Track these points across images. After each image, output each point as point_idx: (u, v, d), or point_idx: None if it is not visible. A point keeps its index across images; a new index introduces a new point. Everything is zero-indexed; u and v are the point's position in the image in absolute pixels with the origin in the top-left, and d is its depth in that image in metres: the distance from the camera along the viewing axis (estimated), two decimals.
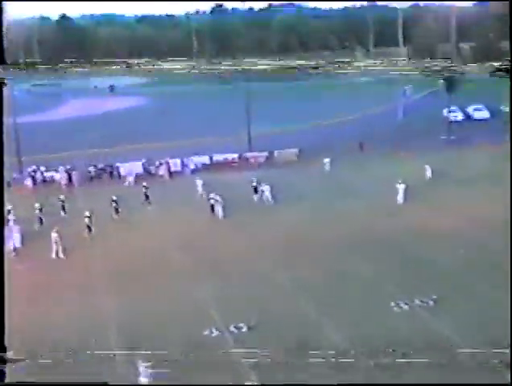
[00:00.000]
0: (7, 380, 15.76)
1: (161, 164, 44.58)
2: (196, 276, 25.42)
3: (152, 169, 44.73)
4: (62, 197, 35.71)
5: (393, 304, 21.79)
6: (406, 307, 21.64)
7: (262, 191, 36.34)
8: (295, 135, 54.24)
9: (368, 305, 21.79)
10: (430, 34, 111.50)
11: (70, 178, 42.83)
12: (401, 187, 34.72)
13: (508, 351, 16.28)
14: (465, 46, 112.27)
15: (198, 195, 37.30)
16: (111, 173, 45.02)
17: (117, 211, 34.27)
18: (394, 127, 56.66)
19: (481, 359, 16.84)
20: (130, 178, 42.59)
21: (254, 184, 37.03)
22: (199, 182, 38.31)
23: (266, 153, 48.38)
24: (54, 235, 28.73)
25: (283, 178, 40.76)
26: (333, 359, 17.54)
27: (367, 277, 24.50)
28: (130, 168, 44.47)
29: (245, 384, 17.28)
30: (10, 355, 16.17)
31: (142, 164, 45.24)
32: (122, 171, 44.69)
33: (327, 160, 43.18)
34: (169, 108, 77.45)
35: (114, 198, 34.59)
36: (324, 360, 17.43)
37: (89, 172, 44.12)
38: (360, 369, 17.32)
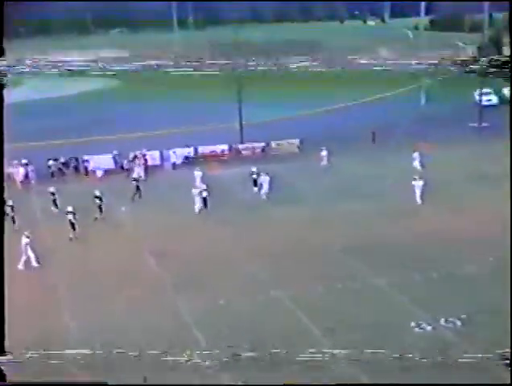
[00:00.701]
0: (7, 380, 16.97)
1: (136, 157, 44.53)
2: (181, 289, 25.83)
3: (125, 163, 44.64)
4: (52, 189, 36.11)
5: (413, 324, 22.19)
6: (428, 328, 22.03)
7: (261, 184, 37.09)
8: (296, 123, 54.59)
9: (383, 326, 22.13)
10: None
11: (27, 175, 42.90)
12: (418, 184, 34.86)
13: (508, 351, 17.28)
14: (499, 15, 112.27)
15: (195, 191, 35.98)
16: (76, 168, 45.23)
17: (100, 209, 34.51)
18: (415, 114, 56.93)
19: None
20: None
21: (255, 176, 37.88)
22: (197, 175, 38.35)
23: (261, 144, 48.64)
24: (25, 240, 28.33)
25: (282, 173, 40.96)
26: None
27: (380, 293, 24.93)
28: (99, 162, 44.81)
29: (238, 384, 18.55)
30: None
31: (113, 157, 45.47)
32: (90, 166, 44.97)
33: (324, 153, 43.56)
34: (144, 92, 77.42)
35: (98, 193, 34.80)
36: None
37: (49, 167, 44.25)
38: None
